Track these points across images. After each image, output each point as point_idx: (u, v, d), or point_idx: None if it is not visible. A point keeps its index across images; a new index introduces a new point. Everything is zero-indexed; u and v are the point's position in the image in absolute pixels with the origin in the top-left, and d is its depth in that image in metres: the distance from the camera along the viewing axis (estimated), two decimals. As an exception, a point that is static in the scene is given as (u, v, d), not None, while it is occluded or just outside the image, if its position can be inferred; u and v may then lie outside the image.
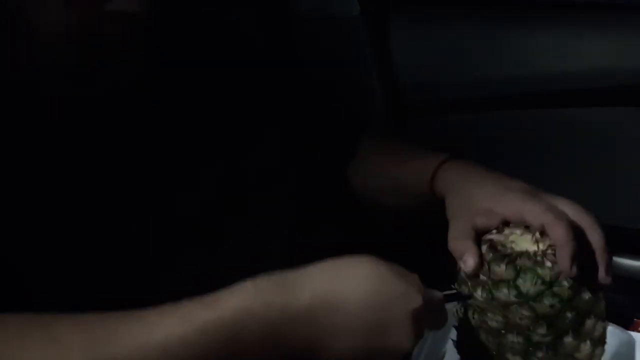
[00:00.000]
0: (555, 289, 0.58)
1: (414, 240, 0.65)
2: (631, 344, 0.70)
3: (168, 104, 0.67)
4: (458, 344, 0.65)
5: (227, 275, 0.52)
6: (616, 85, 0.90)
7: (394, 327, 0.51)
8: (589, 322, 0.61)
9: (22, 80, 0.59)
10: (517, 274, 0.58)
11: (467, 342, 0.64)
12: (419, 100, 1.05)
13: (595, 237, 0.60)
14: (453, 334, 0.65)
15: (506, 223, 0.62)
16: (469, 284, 0.61)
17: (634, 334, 0.73)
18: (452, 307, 0.63)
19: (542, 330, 0.59)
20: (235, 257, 0.66)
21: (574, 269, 0.57)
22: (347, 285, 0.51)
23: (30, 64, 0.58)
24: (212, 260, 0.64)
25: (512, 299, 0.58)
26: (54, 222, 0.58)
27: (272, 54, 0.87)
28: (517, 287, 0.58)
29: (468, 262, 0.60)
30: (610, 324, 0.70)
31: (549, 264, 0.58)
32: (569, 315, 0.59)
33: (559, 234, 0.58)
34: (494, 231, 0.61)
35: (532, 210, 0.60)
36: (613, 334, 0.70)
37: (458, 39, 0.98)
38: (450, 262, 0.62)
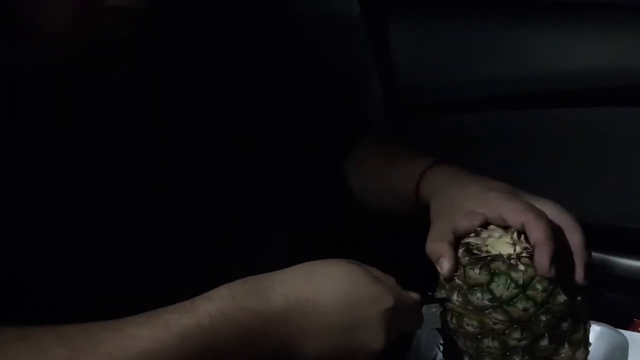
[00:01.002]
0: (529, 292, 0.57)
1: (410, 240, 0.64)
2: (624, 346, 0.69)
3: (167, 101, 0.67)
4: (443, 348, 0.65)
5: (227, 275, 0.52)
6: (616, 85, 0.90)
7: (366, 328, 0.52)
8: (565, 325, 0.60)
9: (21, 77, 0.59)
10: (492, 277, 0.58)
11: (449, 347, 0.64)
12: (419, 100, 1.05)
13: (574, 237, 0.60)
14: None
15: (485, 226, 0.62)
16: (446, 287, 0.61)
17: (634, 334, 0.73)
18: (437, 311, 0.64)
19: (517, 334, 0.58)
20: (235, 256, 0.66)
21: (552, 270, 0.56)
22: (320, 287, 0.52)
23: (30, 60, 0.58)
24: (212, 260, 0.64)
25: (486, 303, 0.58)
26: (52, 221, 0.58)
27: (272, 54, 0.87)
28: (491, 291, 0.58)
29: (443, 265, 0.60)
30: (603, 324, 0.69)
31: (522, 267, 0.57)
32: (543, 318, 0.58)
33: (537, 233, 0.57)
34: (472, 234, 0.61)
35: (512, 209, 0.60)
36: (606, 335, 0.69)
37: (458, 39, 0.98)
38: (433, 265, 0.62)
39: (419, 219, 0.67)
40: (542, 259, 0.57)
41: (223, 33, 0.78)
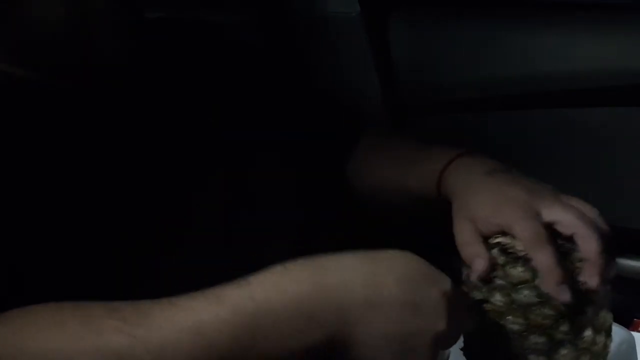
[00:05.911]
0: (574, 285, 0.58)
1: (420, 243, 0.64)
2: (631, 342, 0.70)
3: (170, 106, 0.67)
4: (468, 352, 0.64)
5: (232, 274, 0.52)
6: (616, 85, 0.90)
7: (426, 306, 0.51)
8: (602, 315, 0.61)
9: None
10: (535, 273, 0.58)
11: (481, 349, 0.63)
12: (419, 100, 1.05)
13: (587, 246, 0.59)
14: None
15: None
16: (484, 289, 0.60)
17: (634, 333, 0.73)
18: None
19: (564, 327, 0.59)
20: (240, 257, 0.66)
21: (564, 295, 0.57)
22: (378, 263, 0.52)
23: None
24: (217, 260, 0.64)
25: (534, 299, 0.58)
26: (53, 221, 0.58)
27: (272, 55, 0.87)
28: (536, 287, 0.58)
29: (479, 264, 0.59)
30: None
31: None
32: (588, 309, 0.59)
33: (538, 260, 0.58)
34: (499, 235, 0.61)
35: (518, 228, 0.59)
36: (614, 332, 0.70)
37: (458, 39, 0.98)
38: (459, 268, 0.62)
39: (427, 222, 0.67)
40: (548, 283, 0.58)
41: (222, 35, 0.78)
